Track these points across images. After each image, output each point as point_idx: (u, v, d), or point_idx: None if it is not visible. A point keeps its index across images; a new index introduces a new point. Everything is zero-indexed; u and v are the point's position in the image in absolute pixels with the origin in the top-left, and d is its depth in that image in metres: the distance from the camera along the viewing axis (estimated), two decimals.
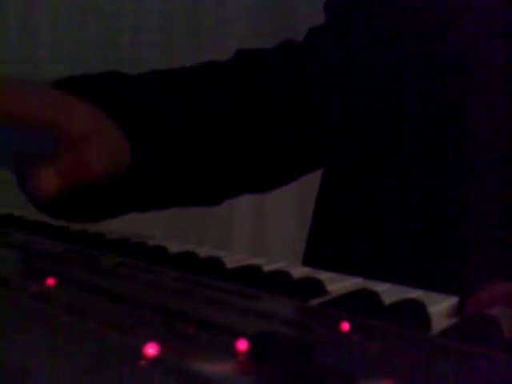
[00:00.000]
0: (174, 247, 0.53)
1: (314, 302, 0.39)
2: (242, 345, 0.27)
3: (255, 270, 0.46)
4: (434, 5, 0.67)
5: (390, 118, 0.67)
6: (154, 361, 0.26)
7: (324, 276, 0.45)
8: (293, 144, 0.74)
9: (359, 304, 0.38)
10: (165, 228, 1.46)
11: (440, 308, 0.39)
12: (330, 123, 0.73)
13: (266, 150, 0.73)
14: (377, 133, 0.68)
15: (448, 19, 0.65)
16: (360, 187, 0.69)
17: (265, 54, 0.76)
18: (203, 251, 0.51)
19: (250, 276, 0.44)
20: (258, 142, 0.72)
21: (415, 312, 0.37)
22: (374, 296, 0.40)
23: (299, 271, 0.47)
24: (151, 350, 0.26)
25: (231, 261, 0.49)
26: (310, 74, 0.74)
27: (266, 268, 0.47)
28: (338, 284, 0.44)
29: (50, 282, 0.37)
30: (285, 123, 0.73)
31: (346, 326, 0.31)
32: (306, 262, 0.75)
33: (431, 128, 0.65)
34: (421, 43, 0.67)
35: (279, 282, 0.43)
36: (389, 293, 0.41)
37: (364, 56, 0.70)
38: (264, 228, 1.56)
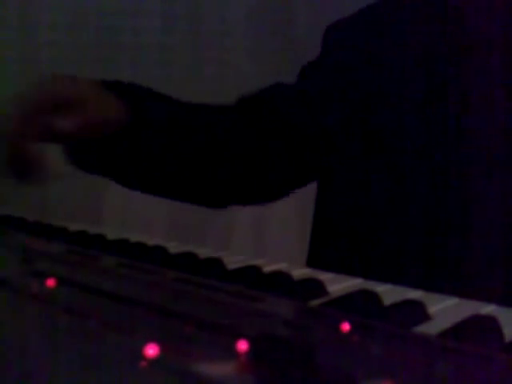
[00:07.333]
0: (174, 247, 0.53)
1: (315, 302, 0.39)
2: (243, 346, 0.27)
3: (255, 270, 0.46)
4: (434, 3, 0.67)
5: (391, 119, 0.67)
6: (154, 361, 0.26)
7: (324, 277, 0.45)
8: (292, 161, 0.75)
9: (359, 305, 0.38)
10: (165, 228, 1.46)
11: (440, 308, 0.39)
12: (332, 129, 0.73)
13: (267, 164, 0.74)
14: (378, 135, 0.68)
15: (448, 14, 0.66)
16: (362, 190, 0.69)
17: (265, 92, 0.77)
18: (203, 252, 0.51)
19: (251, 277, 0.44)
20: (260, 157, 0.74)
21: (415, 312, 0.37)
22: (374, 296, 0.39)
23: (299, 272, 0.47)
24: (151, 350, 0.26)
25: (231, 261, 0.49)
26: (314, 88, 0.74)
27: (267, 269, 0.47)
28: (339, 285, 0.44)
29: (50, 282, 0.37)
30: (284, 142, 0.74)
31: (346, 327, 0.31)
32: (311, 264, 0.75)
33: (432, 129, 0.65)
34: (421, 42, 0.67)
35: (280, 282, 0.43)
36: (389, 293, 0.41)
37: (367, 55, 0.71)
38: (264, 229, 1.56)
